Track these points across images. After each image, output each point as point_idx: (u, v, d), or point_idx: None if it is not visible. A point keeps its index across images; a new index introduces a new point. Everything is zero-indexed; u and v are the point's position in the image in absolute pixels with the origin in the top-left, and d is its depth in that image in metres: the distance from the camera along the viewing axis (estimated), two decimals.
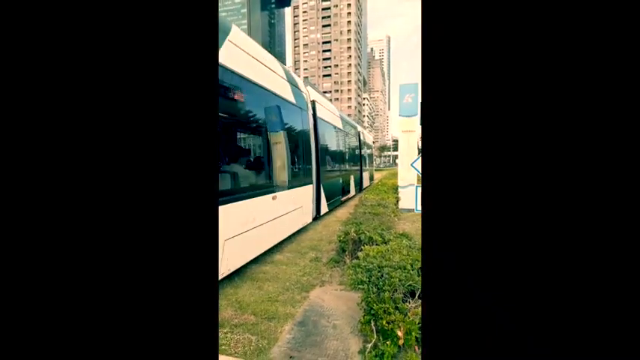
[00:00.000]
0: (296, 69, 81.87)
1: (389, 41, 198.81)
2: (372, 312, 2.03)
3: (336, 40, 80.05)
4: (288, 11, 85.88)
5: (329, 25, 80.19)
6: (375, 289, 2.07)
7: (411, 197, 3.42)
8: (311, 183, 5.94)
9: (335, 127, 8.23)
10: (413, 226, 5.83)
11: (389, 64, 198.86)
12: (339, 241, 4.23)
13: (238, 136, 3.84)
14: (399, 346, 2.00)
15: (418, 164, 3.24)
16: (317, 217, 6.49)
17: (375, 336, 2.04)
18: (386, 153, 71.91)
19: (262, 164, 4.16)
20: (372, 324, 2.05)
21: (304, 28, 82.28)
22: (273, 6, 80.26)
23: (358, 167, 11.57)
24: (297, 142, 5.37)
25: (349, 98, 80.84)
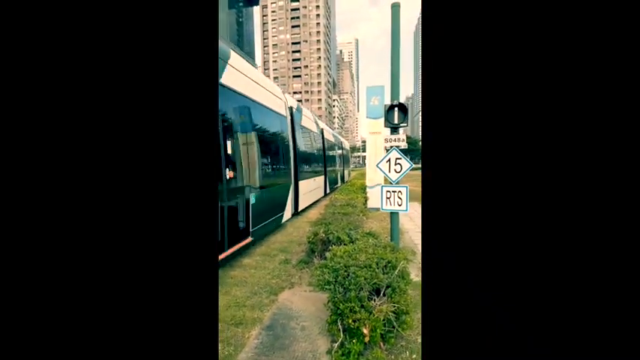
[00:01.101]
0: (265, 69, 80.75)
1: (357, 44, 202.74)
2: (339, 312, 2.05)
3: (306, 41, 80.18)
4: (256, 10, 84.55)
5: (298, 26, 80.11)
6: (341, 289, 2.10)
7: (378, 197, 3.52)
8: (323, 174, 11.40)
9: (331, 141, 14.17)
10: (380, 225, 5.99)
11: (357, 67, 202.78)
12: (308, 242, 4.24)
13: (309, 154, 9.43)
14: (365, 344, 2.05)
15: (383, 165, 3.34)
16: (325, 195, 11.63)
17: (342, 335, 2.07)
18: (356, 154, 73.10)
19: (312, 163, 9.90)
20: (339, 323, 2.08)
21: (273, 28, 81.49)
22: (241, 4, 78.58)
23: (342, 167, 18.68)
24: (319, 152, 11.21)
25: (319, 99, 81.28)
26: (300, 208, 7.85)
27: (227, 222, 3.83)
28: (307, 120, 9.84)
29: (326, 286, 2.19)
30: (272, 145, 6.08)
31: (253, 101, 4.98)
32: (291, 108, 7.59)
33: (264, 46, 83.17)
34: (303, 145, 8.67)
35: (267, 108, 5.68)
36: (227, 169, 3.96)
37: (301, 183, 7.97)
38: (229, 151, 4.12)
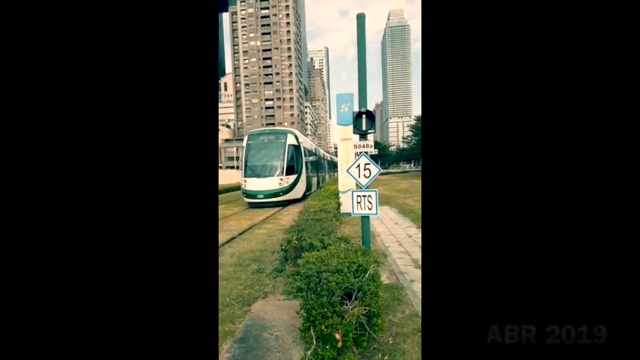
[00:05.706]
0: (236, 75, 79.74)
1: (327, 52, 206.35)
2: (311, 318, 2.04)
3: (277, 48, 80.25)
4: (226, 17, 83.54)
5: (269, 33, 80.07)
6: (313, 296, 2.09)
7: (350, 202, 3.57)
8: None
9: (320, 156, 20.42)
10: (353, 229, 6.06)
11: (328, 74, 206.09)
12: (282, 249, 4.20)
13: (316, 167, 19.21)
14: (338, 349, 2.05)
15: (353, 171, 3.40)
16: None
17: (315, 342, 2.06)
18: None
19: (316, 170, 18.75)
20: (312, 330, 2.07)
21: (243, 34, 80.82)
22: None
23: (331, 172, 27.47)
24: (318, 166, 19.62)
25: (291, 106, 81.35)
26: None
27: None
28: (319, 152, 17.15)
29: (298, 294, 2.18)
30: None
31: None
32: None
33: (235, 53, 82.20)
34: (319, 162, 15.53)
35: None
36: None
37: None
38: None
